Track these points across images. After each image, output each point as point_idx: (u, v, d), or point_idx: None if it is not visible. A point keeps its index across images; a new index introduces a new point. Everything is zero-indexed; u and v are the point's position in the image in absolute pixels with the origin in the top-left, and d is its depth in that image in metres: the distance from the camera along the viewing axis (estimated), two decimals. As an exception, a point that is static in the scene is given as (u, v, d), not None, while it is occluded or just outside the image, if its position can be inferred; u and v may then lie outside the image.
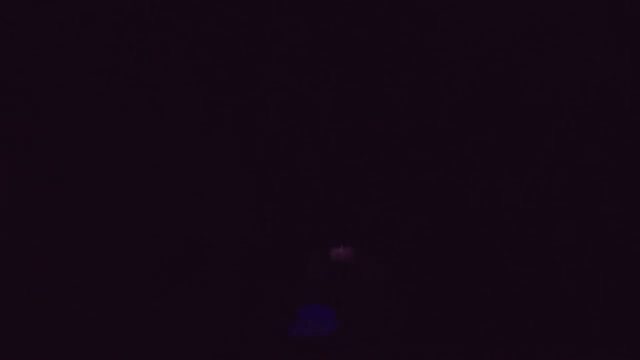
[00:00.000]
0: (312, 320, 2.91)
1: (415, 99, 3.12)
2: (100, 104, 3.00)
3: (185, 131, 3.08)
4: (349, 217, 3.13)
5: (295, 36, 3.12)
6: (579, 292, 2.89)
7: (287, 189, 3.13)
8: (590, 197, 2.96)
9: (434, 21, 3.09)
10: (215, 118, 3.12)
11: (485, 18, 3.06)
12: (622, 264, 2.90)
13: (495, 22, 3.05)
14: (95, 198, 2.94)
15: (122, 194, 2.97)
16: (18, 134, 2.91)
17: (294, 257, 3.02)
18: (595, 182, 2.97)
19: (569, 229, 2.95)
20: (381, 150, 3.14)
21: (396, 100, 3.13)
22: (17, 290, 2.79)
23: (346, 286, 2.94)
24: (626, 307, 2.85)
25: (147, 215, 2.98)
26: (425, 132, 3.12)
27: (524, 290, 2.93)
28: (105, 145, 2.99)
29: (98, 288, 2.88)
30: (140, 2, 3.03)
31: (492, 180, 3.05)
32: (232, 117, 3.13)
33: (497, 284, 2.95)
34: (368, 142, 3.15)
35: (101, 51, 3.01)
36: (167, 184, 3.03)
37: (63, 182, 2.92)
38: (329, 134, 3.16)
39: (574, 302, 2.89)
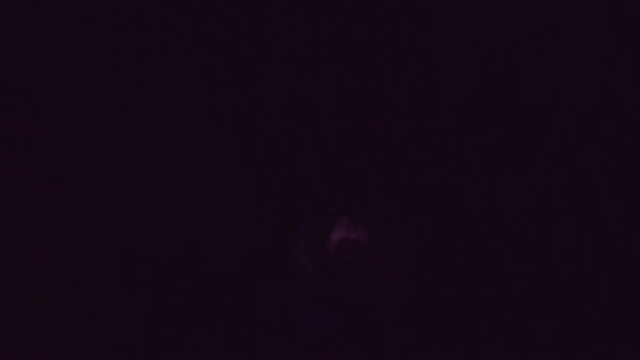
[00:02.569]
0: (314, 321, 2.91)
1: (415, 99, 3.12)
2: (100, 104, 3.01)
3: (185, 131, 3.08)
4: (348, 217, 3.13)
5: (295, 36, 3.12)
6: (579, 292, 2.90)
7: (287, 189, 3.13)
8: (590, 197, 2.96)
9: (434, 21, 3.09)
10: (215, 118, 3.12)
11: (485, 18, 3.06)
12: (622, 264, 2.90)
13: (495, 22, 3.05)
14: (95, 198, 2.94)
15: (122, 194, 2.97)
16: (18, 134, 2.91)
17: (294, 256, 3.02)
18: (595, 182, 2.97)
19: (569, 229, 2.95)
20: (381, 150, 3.14)
21: (396, 100, 3.13)
22: (17, 290, 2.79)
23: (348, 282, 2.94)
24: (626, 307, 2.85)
25: (147, 215, 2.98)
26: (425, 132, 3.12)
27: (524, 290, 2.93)
28: (105, 145, 2.99)
29: (98, 288, 2.88)
30: (140, 2, 3.03)
31: (492, 180, 3.05)
32: (232, 117, 3.13)
33: (497, 284, 2.95)
34: (368, 142, 3.15)
35: (101, 51, 3.01)
36: (167, 184, 3.03)
37: (63, 182, 2.92)
38: (329, 134, 3.16)
39: (574, 302, 2.89)
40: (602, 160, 2.97)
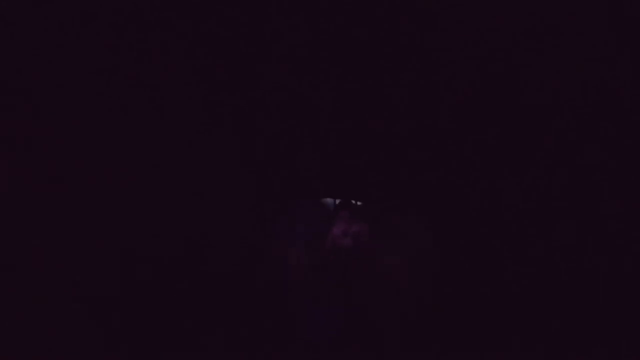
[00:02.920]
0: (314, 321, 2.92)
1: (415, 99, 3.12)
2: (100, 104, 3.01)
3: (185, 131, 3.08)
4: (348, 211, 3.13)
5: (295, 36, 3.12)
6: (579, 292, 2.90)
7: (287, 189, 3.13)
8: (590, 197, 2.96)
9: (434, 21, 3.09)
10: (215, 118, 3.12)
11: (485, 18, 3.06)
12: (622, 264, 2.90)
13: (495, 22, 3.05)
14: (95, 198, 2.94)
15: (122, 194, 2.97)
16: (18, 134, 2.91)
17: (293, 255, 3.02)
18: (595, 182, 2.97)
19: (569, 229, 2.96)
20: (381, 150, 3.14)
21: (396, 100, 3.13)
22: (17, 290, 2.79)
23: (348, 282, 2.94)
24: (626, 307, 2.85)
25: (147, 215, 2.98)
26: (425, 132, 3.12)
27: (524, 290, 2.93)
28: (105, 145, 2.99)
29: (98, 288, 2.88)
30: (140, 2, 3.04)
31: (492, 180, 3.05)
32: (232, 117, 3.13)
33: (497, 283, 2.95)
34: (368, 142, 3.15)
35: (101, 51, 3.01)
36: (167, 184, 3.03)
37: (63, 182, 2.92)
38: (329, 134, 3.16)
39: (574, 302, 2.89)
40: (602, 160, 2.98)
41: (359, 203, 3.09)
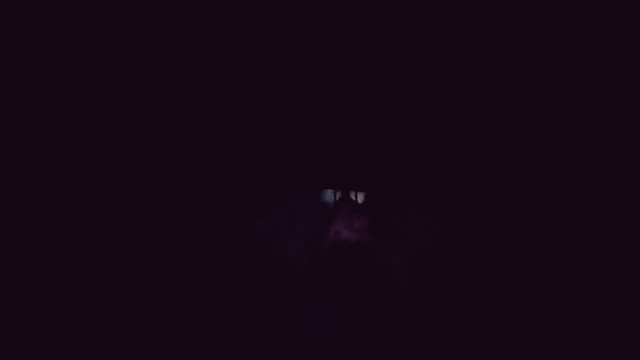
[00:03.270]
0: (315, 321, 2.92)
1: (415, 99, 3.12)
2: (100, 104, 3.00)
3: (185, 131, 3.08)
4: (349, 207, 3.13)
5: (295, 36, 3.12)
6: (579, 292, 2.89)
7: (287, 189, 3.13)
8: (590, 197, 2.96)
9: (434, 21, 3.09)
10: (215, 118, 3.12)
11: (485, 18, 3.06)
12: (622, 264, 2.90)
13: (495, 22, 3.05)
14: (95, 198, 2.94)
15: (122, 194, 2.97)
16: (18, 134, 2.91)
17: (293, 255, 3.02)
18: (595, 182, 2.97)
19: (569, 229, 2.95)
20: (381, 150, 3.14)
21: (396, 100, 3.13)
22: (17, 290, 2.79)
23: (349, 281, 2.94)
24: (626, 307, 2.85)
25: (147, 215, 2.98)
26: (425, 132, 3.12)
27: (524, 290, 2.93)
28: (105, 145, 2.99)
29: (98, 288, 2.87)
30: (140, 2, 3.03)
31: (492, 180, 3.05)
32: (232, 117, 3.13)
33: (497, 283, 2.95)
34: (368, 142, 3.15)
35: (101, 51, 3.00)
36: (167, 184, 3.03)
37: (63, 182, 2.92)
38: (329, 134, 3.16)
39: (574, 302, 2.89)
40: (602, 160, 2.97)
41: (359, 195, 3.10)
